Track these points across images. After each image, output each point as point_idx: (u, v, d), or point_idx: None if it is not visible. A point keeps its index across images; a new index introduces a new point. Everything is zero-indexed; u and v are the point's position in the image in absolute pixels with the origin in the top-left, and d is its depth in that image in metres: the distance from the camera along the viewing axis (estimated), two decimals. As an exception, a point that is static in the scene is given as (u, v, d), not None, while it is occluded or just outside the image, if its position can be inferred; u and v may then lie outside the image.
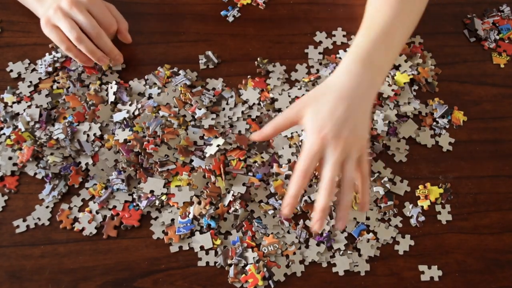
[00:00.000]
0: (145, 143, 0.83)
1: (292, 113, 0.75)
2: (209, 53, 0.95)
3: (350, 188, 0.72)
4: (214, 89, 0.92)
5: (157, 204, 0.82)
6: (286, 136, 0.87)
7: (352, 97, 0.73)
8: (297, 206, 0.81)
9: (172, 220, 0.81)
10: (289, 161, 0.85)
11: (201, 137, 0.86)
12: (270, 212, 0.82)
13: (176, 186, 0.83)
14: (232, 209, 0.81)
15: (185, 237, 0.80)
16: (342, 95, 0.73)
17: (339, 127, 0.71)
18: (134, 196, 0.82)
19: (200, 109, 0.87)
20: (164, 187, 0.82)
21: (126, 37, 0.93)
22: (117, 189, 0.82)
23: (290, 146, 0.86)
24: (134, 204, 0.82)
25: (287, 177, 0.83)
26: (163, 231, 0.81)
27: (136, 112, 0.87)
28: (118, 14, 0.92)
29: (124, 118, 0.87)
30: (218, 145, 0.84)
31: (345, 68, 0.76)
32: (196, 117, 0.87)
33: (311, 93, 0.76)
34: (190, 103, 0.88)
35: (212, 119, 0.87)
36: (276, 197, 0.82)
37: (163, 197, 0.82)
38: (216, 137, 0.86)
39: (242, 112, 0.89)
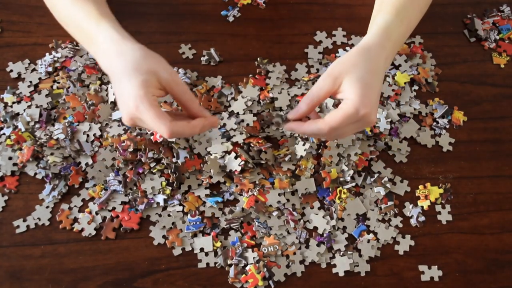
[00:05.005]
0: (151, 136, 0.83)
1: (329, 82, 0.73)
2: (212, 50, 0.95)
3: (328, 134, 0.74)
4: (213, 87, 0.92)
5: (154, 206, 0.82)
6: (292, 133, 0.88)
7: (381, 70, 0.76)
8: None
9: (173, 223, 0.82)
10: (301, 157, 0.85)
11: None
12: (275, 213, 0.82)
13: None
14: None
15: (186, 238, 0.80)
16: (374, 69, 0.75)
17: (375, 105, 0.73)
18: (129, 197, 0.83)
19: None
20: (168, 185, 0.83)
21: (201, 114, 0.74)
22: (114, 190, 0.82)
23: (303, 144, 0.86)
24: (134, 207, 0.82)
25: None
26: (163, 236, 0.81)
27: (135, 110, 0.87)
28: (184, 96, 0.73)
29: (122, 117, 0.87)
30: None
31: (374, 39, 0.77)
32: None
33: (344, 60, 0.75)
34: None
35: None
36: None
37: (161, 201, 0.82)
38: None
39: (246, 104, 0.90)
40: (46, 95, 0.89)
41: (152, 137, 0.83)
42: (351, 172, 0.84)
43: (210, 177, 0.84)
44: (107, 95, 0.89)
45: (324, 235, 0.82)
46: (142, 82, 0.69)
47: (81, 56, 0.93)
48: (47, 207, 0.82)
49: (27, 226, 0.81)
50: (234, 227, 0.81)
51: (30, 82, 0.90)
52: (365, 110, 0.71)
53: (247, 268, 0.79)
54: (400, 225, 0.84)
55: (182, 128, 0.70)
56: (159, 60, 0.73)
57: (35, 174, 0.83)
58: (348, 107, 0.71)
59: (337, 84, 0.73)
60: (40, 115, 0.87)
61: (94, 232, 0.80)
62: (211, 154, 0.85)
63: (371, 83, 0.73)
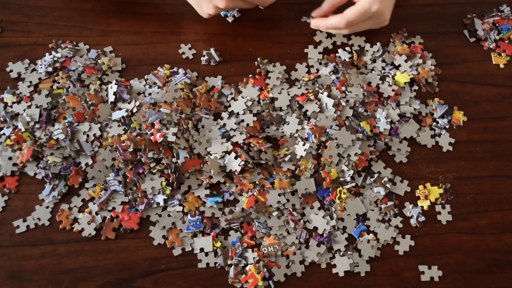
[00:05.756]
0: (151, 136, 0.83)
1: None
2: (212, 50, 0.95)
3: (346, 26, 0.90)
4: (213, 87, 0.92)
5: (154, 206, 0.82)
6: (292, 133, 0.87)
7: None
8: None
9: (173, 223, 0.81)
10: (301, 157, 0.85)
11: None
12: (275, 213, 0.82)
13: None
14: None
15: (186, 239, 0.80)
16: None
17: (388, 5, 0.89)
18: (129, 198, 0.83)
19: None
20: (168, 185, 0.83)
21: None
22: (114, 191, 0.82)
23: (303, 144, 0.86)
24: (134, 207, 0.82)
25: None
26: (163, 236, 0.81)
27: (135, 110, 0.87)
28: None
29: (122, 116, 0.87)
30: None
31: None
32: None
33: None
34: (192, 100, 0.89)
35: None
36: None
37: (161, 201, 0.82)
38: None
39: (246, 104, 0.90)
40: (46, 95, 0.89)
41: (152, 137, 0.83)
42: (351, 172, 0.84)
43: (210, 177, 0.84)
44: (107, 95, 0.89)
45: (324, 235, 0.82)
46: None
47: (81, 56, 0.93)
48: (47, 207, 0.82)
49: (27, 226, 0.81)
50: (234, 227, 0.81)
51: (30, 82, 0.90)
52: (377, 6, 0.86)
53: (247, 268, 0.79)
54: (400, 225, 0.84)
55: None
56: None
57: (35, 174, 0.83)
58: (363, 3, 0.87)
59: None
60: (40, 115, 0.87)
61: (94, 232, 0.80)
62: (211, 154, 0.85)
63: None
